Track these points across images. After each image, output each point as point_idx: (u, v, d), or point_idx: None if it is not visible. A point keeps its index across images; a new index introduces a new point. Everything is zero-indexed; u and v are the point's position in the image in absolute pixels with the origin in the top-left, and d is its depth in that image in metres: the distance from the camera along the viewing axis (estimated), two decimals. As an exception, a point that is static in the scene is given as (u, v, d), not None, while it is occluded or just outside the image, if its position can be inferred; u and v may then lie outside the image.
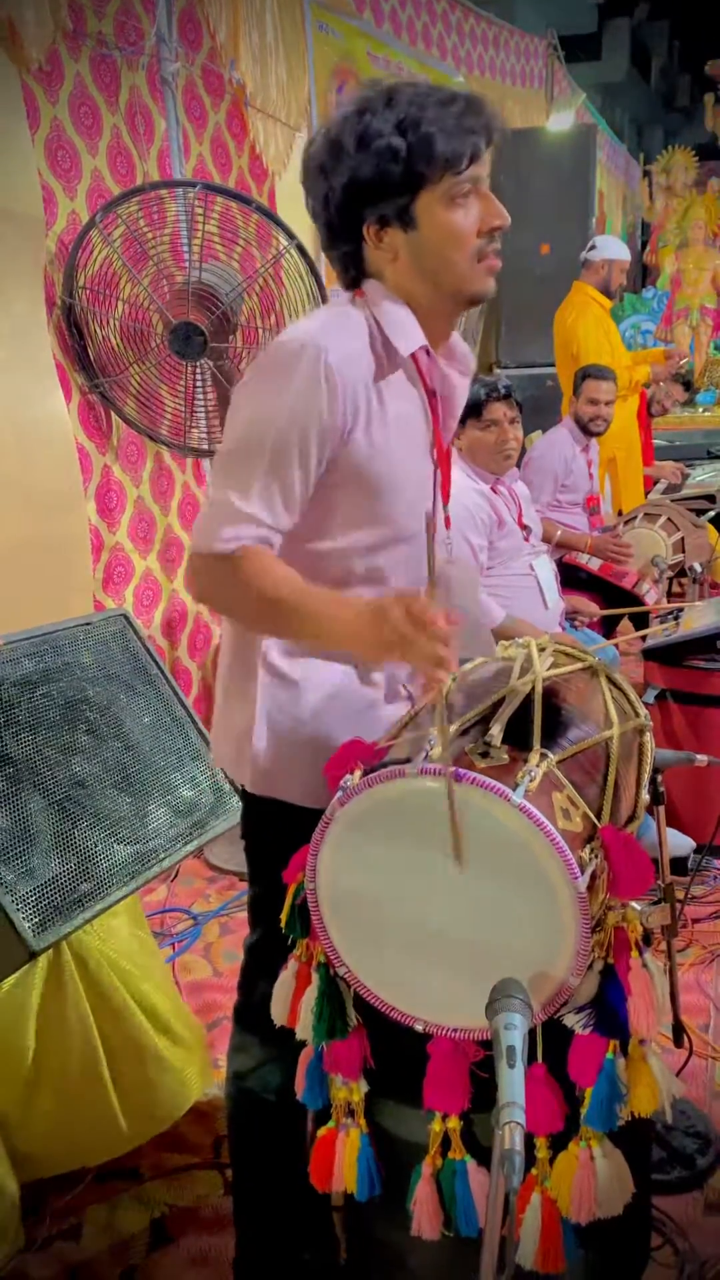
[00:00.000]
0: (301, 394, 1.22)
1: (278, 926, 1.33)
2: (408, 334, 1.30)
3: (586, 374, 3.98)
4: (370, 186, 1.24)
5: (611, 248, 4.70)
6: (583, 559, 3.76)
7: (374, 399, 1.28)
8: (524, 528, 2.92)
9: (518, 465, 3.04)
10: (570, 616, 3.23)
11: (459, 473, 2.85)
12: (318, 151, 1.28)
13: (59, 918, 1.75)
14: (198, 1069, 1.97)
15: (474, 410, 2.75)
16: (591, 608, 3.36)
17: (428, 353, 1.34)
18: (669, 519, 4.00)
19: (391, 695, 1.46)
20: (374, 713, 1.43)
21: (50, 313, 2.94)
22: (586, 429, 3.97)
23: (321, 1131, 1.34)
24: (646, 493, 5.04)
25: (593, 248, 4.72)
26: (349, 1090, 1.30)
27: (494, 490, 2.86)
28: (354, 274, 1.34)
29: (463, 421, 2.81)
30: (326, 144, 1.27)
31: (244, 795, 1.47)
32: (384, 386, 1.30)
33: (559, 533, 3.75)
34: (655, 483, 5.25)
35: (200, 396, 2.99)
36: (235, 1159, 1.62)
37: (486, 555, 2.83)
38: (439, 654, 1.12)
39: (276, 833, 1.37)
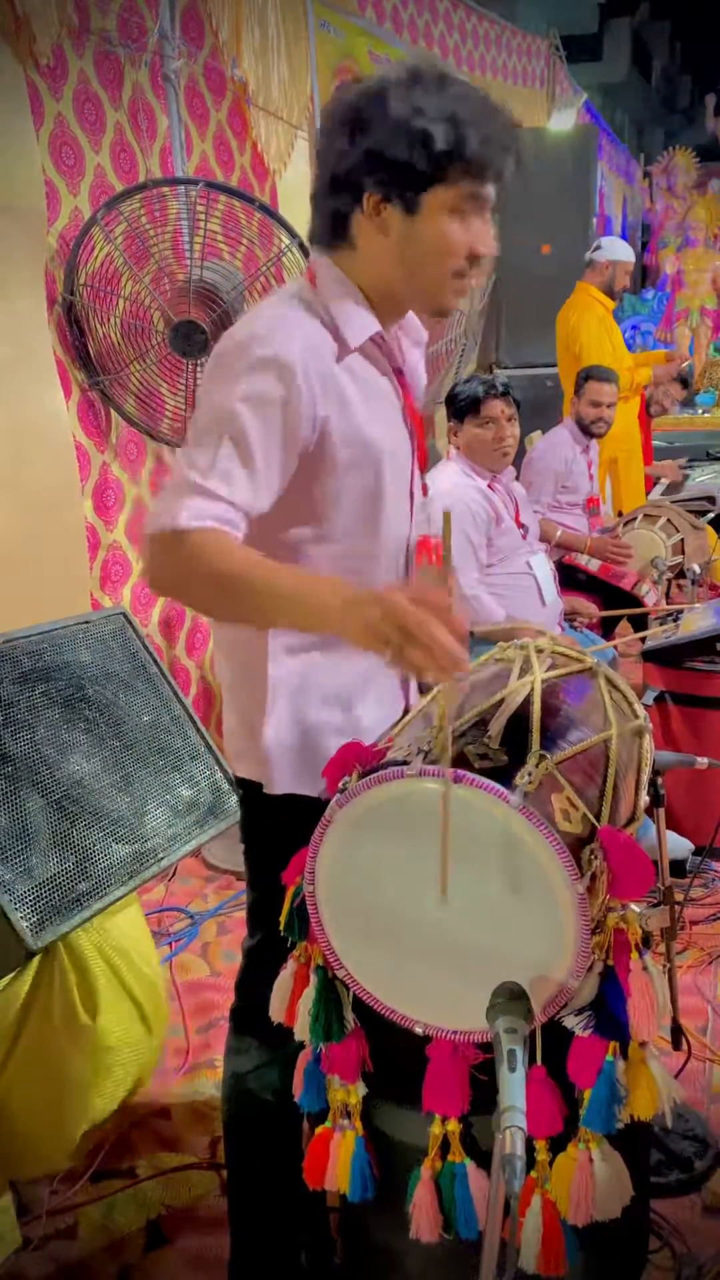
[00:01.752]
0: (254, 378, 1.21)
1: (277, 930, 1.32)
2: (357, 326, 1.30)
3: (589, 375, 3.97)
4: (392, 160, 1.22)
5: (616, 249, 4.71)
6: (582, 560, 3.76)
7: (344, 381, 1.28)
8: (521, 526, 2.93)
9: (516, 464, 3.04)
10: (569, 617, 3.23)
11: (457, 470, 2.85)
12: (354, 103, 1.24)
13: (57, 917, 1.75)
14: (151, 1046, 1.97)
15: (472, 407, 2.76)
16: (590, 608, 3.36)
17: (384, 338, 1.34)
18: (669, 520, 3.99)
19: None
20: (394, 689, 1.43)
21: (51, 309, 2.93)
22: (588, 430, 3.97)
23: (318, 1130, 1.34)
24: (648, 493, 5.04)
25: (598, 248, 4.72)
26: (347, 1092, 1.30)
27: (491, 488, 2.86)
28: (329, 233, 1.32)
29: (460, 419, 2.81)
30: (366, 99, 1.23)
31: (253, 795, 1.44)
32: (350, 369, 1.30)
33: (559, 533, 3.75)
34: (655, 483, 5.25)
35: (200, 395, 2.99)
36: (231, 1162, 1.62)
37: (485, 553, 2.83)
38: (454, 654, 1.03)
39: (287, 831, 1.34)
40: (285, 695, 1.38)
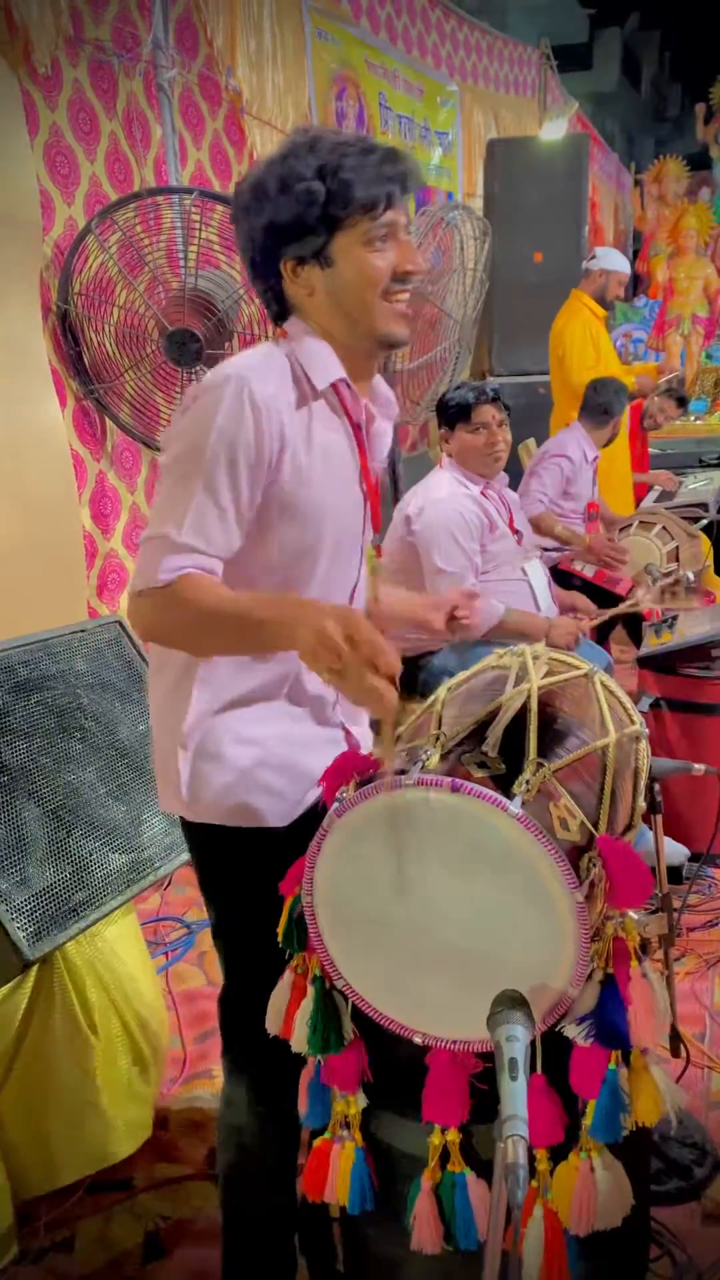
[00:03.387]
0: (227, 424, 1.26)
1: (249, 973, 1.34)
2: (325, 367, 1.34)
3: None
4: (290, 226, 1.30)
5: (610, 259, 4.74)
6: (577, 565, 3.76)
7: (300, 428, 1.32)
8: (515, 532, 2.93)
9: (511, 474, 3.05)
10: (568, 612, 3.23)
11: (449, 478, 2.85)
12: (243, 193, 1.34)
13: (54, 927, 1.74)
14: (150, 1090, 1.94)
15: (462, 414, 2.77)
16: (588, 604, 3.35)
17: (348, 385, 1.37)
18: (664, 527, 4.00)
19: (321, 718, 1.45)
20: (305, 727, 1.44)
21: (46, 318, 2.93)
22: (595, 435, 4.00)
23: (317, 1142, 1.33)
24: (637, 502, 5.04)
25: (593, 257, 4.76)
26: (346, 1103, 1.29)
27: (484, 494, 2.86)
28: (277, 309, 1.40)
29: (452, 425, 2.82)
30: (251, 186, 1.33)
31: (198, 830, 1.44)
32: (310, 418, 1.33)
33: (558, 527, 3.75)
34: (649, 490, 5.26)
35: (195, 403, 2.99)
36: (226, 1200, 1.59)
37: (480, 559, 2.84)
38: (376, 688, 1.11)
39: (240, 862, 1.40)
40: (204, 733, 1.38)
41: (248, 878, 1.41)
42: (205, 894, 1.49)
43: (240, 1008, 1.48)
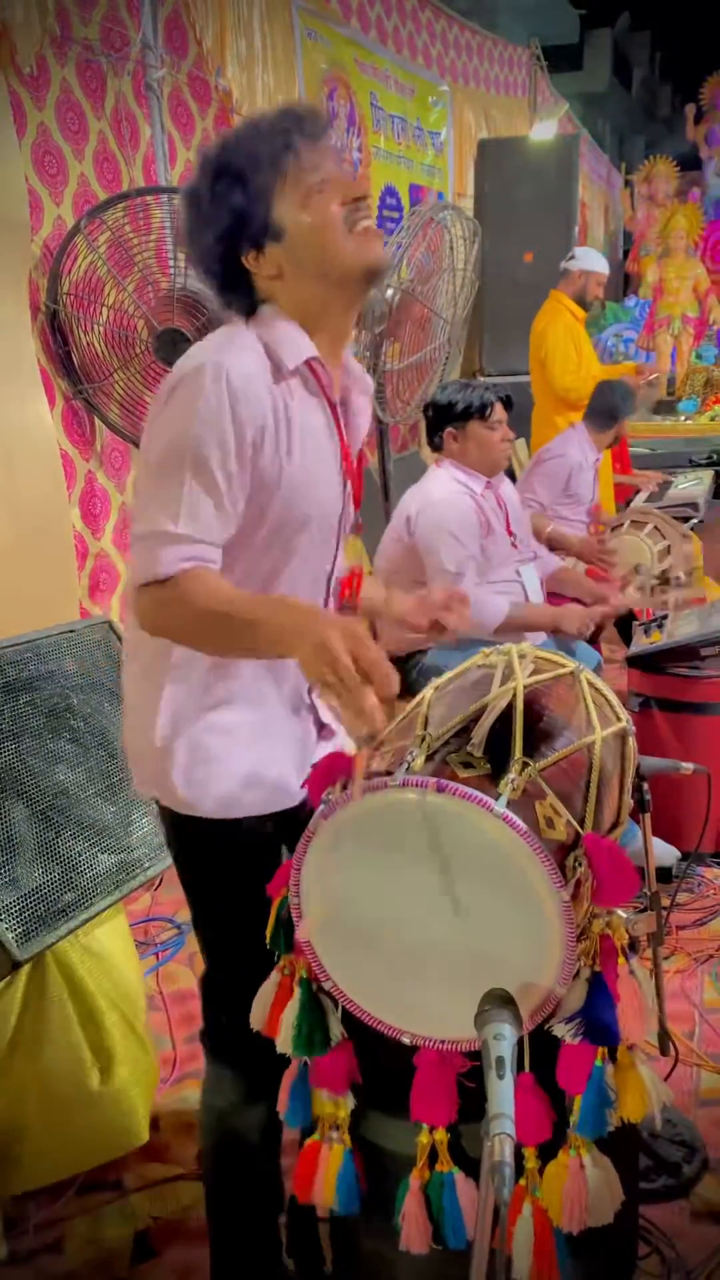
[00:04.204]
0: (208, 409, 1.25)
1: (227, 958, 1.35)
2: (295, 347, 1.33)
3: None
4: (233, 224, 1.31)
5: (589, 260, 4.73)
6: (568, 564, 3.76)
7: (279, 408, 1.31)
8: (511, 534, 2.94)
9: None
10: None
11: (448, 478, 2.85)
12: (183, 225, 1.37)
13: (43, 928, 1.74)
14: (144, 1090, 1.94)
15: (480, 411, 2.78)
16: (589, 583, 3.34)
17: (321, 365, 1.36)
18: (655, 527, 4.01)
19: (299, 706, 1.45)
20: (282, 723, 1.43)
21: (35, 318, 2.93)
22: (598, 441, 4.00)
23: (306, 1143, 1.33)
24: (620, 504, 5.05)
25: (572, 258, 4.75)
26: (335, 1105, 1.29)
27: (486, 492, 2.87)
28: (247, 307, 1.39)
29: (461, 423, 2.81)
30: (184, 216, 1.36)
31: (173, 815, 1.43)
32: (287, 395, 1.32)
33: (549, 528, 3.75)
34: (635, 491, 5.27)
35: (185, 403, 2.99)
36: (210, 1182, 1.60)
37: (479, 557, 2.84)
38: (367, 710, 1.11)
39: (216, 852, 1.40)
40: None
41: (224, 866, 1.42)
42: (183, 882, 1.49)
43: (220, 991, 1.49)
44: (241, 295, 1.37)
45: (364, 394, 1.48)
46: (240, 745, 1.38)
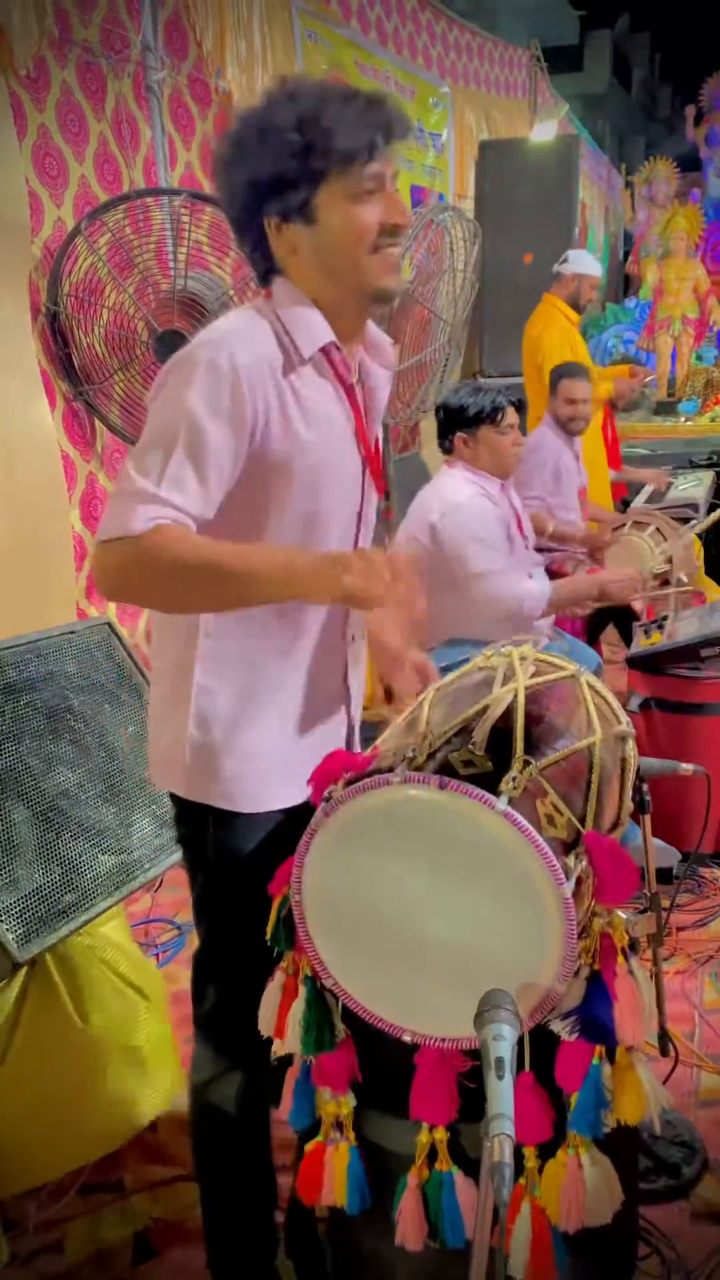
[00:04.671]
0: (206, 389, 1.23)
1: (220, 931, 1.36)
2: (312, 333, 1.31)
3: (562, 374, 4.00)
4: (270, 182, 1.25)
5: (582, 262, 4.71)
6: (569, 567, 3.77)
7: (288, 395, 1.29)
8: (524, 536, 2.95)
9: None
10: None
11: (463, 479, 2.84)
12: (222, 149, 1.30)
13: (43, 929, 1.74)
14: (170, 1073, 1.95)
15: (492, 416, 2.77)
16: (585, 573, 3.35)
17: (338, 348, 1.34)
18: (657, 528, 4.01)
19: (326, 705, 1.46)
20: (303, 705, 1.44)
21: (35, 319, 2.93)
22: (566, 428, 3.99)
23: (309, 1146, 1.33)
24: (616, 502, 5.04)
25: (565, 261, 4.73)
26: (338, 1104, 1.29)
27: (499, 495, 2.87)
28: (263, 269, 1.36)
29: (473, 427, 2.80)
30: (230, 141, 1.28)
31: (192, 807, 1.44)
32: (297, 383, 1.30)
33: (551, 526, 3.75)
34: (639, 489, 5.27)
35: (185, 404, 2.99)
36: (200, 1172, 1.60)
37: (509, 554, 2.84)
38: (381, 588, 1.18)
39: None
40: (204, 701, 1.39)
41: (239, 857, 1.42)
42: (189, 868, 1.49)
43: (211, 973, 1.49)
44: (257, 248, 1.33)
45: (385, 366, 1.45)
46: (271, 741, 1.39)
